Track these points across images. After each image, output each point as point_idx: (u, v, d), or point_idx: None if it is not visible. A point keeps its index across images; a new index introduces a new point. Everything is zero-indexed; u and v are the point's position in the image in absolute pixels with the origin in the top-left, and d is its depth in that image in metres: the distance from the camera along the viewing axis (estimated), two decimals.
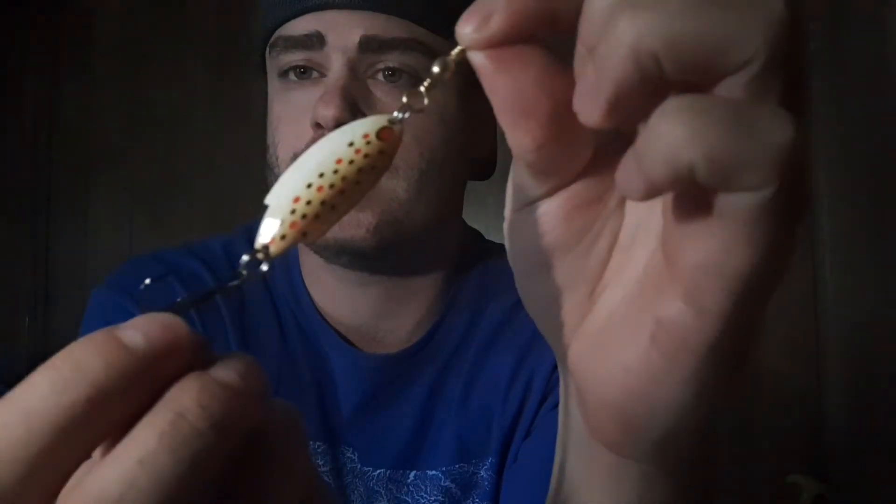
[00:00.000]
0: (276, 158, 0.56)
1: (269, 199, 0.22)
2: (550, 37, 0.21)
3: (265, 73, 0.59)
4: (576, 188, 0.24)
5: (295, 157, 0.54)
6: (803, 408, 1.46)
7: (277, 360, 0.61)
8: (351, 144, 0.22)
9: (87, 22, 1.77)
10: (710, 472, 0.28)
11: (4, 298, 1.76)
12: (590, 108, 0.19)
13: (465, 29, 0.21)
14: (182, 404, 0.18)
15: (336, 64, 0.53)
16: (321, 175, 0.22)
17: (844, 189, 1.41)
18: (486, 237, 0.70)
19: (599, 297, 0.25)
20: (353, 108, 0.52)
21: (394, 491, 0.60)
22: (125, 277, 0.61)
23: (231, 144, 1.64)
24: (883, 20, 1.26)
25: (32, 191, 1.78)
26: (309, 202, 0.21)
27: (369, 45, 0.52)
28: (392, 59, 0.53)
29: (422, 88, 0.23)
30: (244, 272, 0.22)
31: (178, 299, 0.22)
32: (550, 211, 0.24)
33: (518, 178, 0.25)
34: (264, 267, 0.22)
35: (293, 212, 0.21)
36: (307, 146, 0.53)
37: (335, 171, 0.22)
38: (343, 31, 0.52)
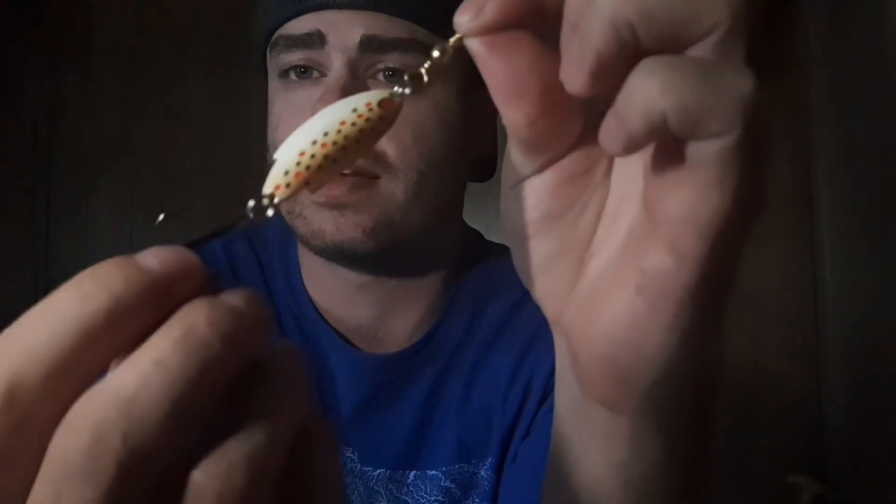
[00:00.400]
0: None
1: (278, 154, 0.24)
2: (539, 25, 0.24)
3: (265, 72, 0.59)
4: (564, 163, 0.26)
5: None
6: (803, 408, 1.46)
7: None
8: (354, 110, 0.24)
9: (87, 22, 1.77)
10: (704, 437, 0.29)
11: (4, 298, 1.76)
12: (575, 76, 0.21)
13: (462, 18, 0.23)
14: (194, 319, 0.19)
15: (336, 63, 0.53)
16: (325, 134, 0.24)
17: (844, 189, 1.41)
18: (486, 237, 0.70)
19: (589, 263, 0.27)
20: None
21: (394, 491, 0.60)
22: None
23: (231, 144, 1.64)
24: (883, 20, 1.26)
25: (32, 191, 1.78)
26: (313, 156, 0.24)
27: (370, 45, 0.52)
28: (392, 59, 0.53)
29: (422, 69, 0.25)
30: (250, 214, 0.24)
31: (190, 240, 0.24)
32: (541, 185, 0.27)
33: (512, 157, 0.27)
34: (270, 212, 0.24)
35: (298, 163, 0.24)
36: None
37: (338, 131, 0.24)
38: (343, 31, 0.52)
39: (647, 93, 0.20)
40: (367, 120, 0.24)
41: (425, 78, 0.25)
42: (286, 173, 0.24)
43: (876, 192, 1.31)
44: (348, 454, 0.60)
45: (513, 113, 0.24)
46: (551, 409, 0.58)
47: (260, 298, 0.21)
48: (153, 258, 0.20)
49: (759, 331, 1.48)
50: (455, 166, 0.58)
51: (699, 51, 0.21)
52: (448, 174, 0.58)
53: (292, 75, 0.55)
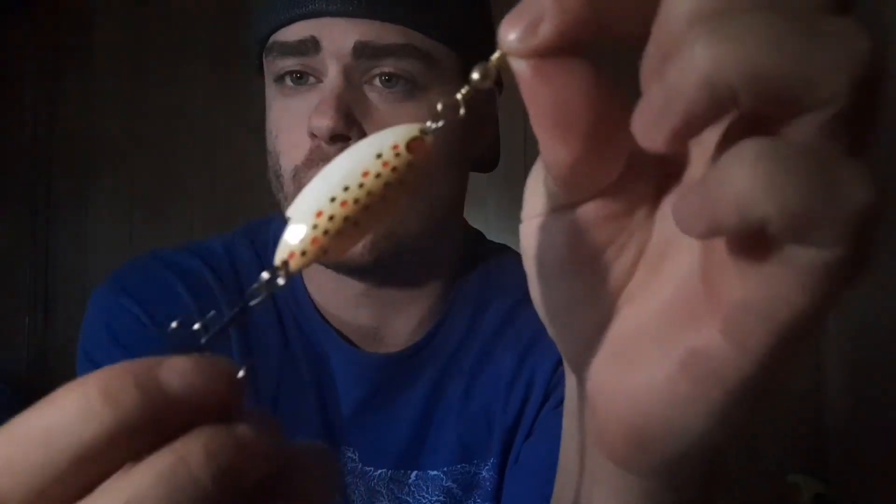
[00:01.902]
0: (280, 168, 0.56)
1: (292, 212, 0.21)
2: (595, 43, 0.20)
3: (262, 77, 0.59)
4: (603, 199, 0.23)
5: (296, 170, 0.54)
6: (803, 408, 1.46)
7: (278, 360, 0.61)
8: (379, 156, 0.21)
9: (87, 22, 1.77)
10: (717, 488, 0.27)
11: (4, 298, 1.76)
12: (653, 133, 0.18)
13: (510, 35, 0.19)
14: (188, 451, 0.18)
15: (331, 71, 0.53)
16: (346, 188, 0.21)
17: None
18: (487, 237, 0.70)
19: (621, 311, 0.24)
20: (349, 117, 0.51)
21: (395, 491, 0.60)
22: (126, 277, 0.61)
23: (231, 144, 1.64)
24: (883, 20, 1.27)
25: (33, 191, 1.78)
26: (332, 217, 0.20)
27: (364, 52, 0.52)
28: (388, 65, 0.52)
29: (458, 96, 0.22)
30: (264, 287, 0.21)
31: (203, 319, 0.22)
32: (573, 220, 0.24)
33: (543, 185, 0.24)
34: (281, 281, 0.21)
35: (315, 227, 0.21)
36: (306, 158, 0.53)
37: (360, 185, 0.21)
38: (337, 38, 0.52)
39: (748, 189, 0.17)
40: (394, 170, 0.21)
41: (462, 109, 0.22)
42: (301, 239, 0.21)
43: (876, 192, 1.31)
44: (349, 454, 0.60)
45: (556, 149, 0.21)
46: (554, 408, 0.58)
47: (273, 422, 0.19)
48: (176, 375, 0.18)
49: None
50: (455, 170, 0.58)
51: (805, 124, 0.18)
52: (448, 179, 0.57)
53: (288, 81, 0.55)
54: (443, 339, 0.61)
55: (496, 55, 0.20)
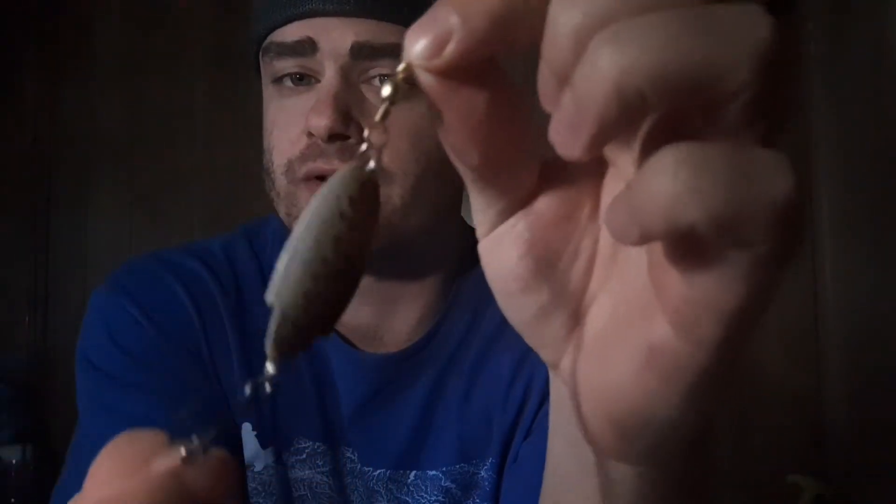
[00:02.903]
0: (272, 164, 0.56)
1: (274, 298, 0.20)
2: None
3: (259, 76, 0.59)
4: (540, 208, 0.24)
5: (289, 164, 0.54)
6: (803, 408, 1.46)
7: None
8: (342, 216, 0.20)
9: (87, 23, 1.77)
10: (705, 467, 0.28)
11: (4, 298, 1.76)
12: (570, 142, 0.18)
13: (416, 47, 0.19)
14: None
15: (329, 71, 0.53)
16: (324, 261, 0.20)
17: (844, 189, 1.41)
18: None
19: (588, 311, 0.25)
20: (346, 117, 0.51)
21: (394, 491, 0.60)
22: (125, 278, 0.61)
23: (231, 144, 1.64)
24: (883, 20, 1.26)
25: (33, 191, 1.78)
26: (318, 295, 0.20)
27: (361, 52, 0.52)
28: (385, 65, 0.52)
29: (377, 118, 0.21)
30: (266, 380, 0.21)
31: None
32: (520, 235, 0.24)
33: (476, 202, 0.25)
34: (271, 370, 0.21)
35: (306, 311, 0.20)
36: (301, 153, 0.53)
37: (337, 252, 0.20)
38: (334, 38, 0.52)
39: (672, 197, 0.17)
40: (358, 222, 0.20)
41: (385, 128, 0.21)
42: (293, 325, 0.20)
43: (876, 192, 1.31)
44: (348, 454, 0.60)
45: (464, 155, 0.22)
46: None
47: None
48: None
49: (758, 331, 1.48)
50: (452, 167, 0.58)
51: (720, 116, 0.18)
52: (445, 175, 0.57)
53: (287, 82, 0.55)
54: (442, 340, 0.61)
55: (402, 67, 0.20)
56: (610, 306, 0.24)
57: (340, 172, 0.21)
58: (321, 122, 0.50)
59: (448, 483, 0.60)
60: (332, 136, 0.51)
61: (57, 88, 1.78)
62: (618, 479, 0.27)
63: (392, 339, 0.61)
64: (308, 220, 0.20)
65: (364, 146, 0.21)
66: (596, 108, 0.17)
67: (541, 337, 0.26)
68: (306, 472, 0.60)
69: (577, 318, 0.25)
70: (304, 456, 0.60)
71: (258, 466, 0.59)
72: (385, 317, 0.60)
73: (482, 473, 0.60)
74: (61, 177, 1.78)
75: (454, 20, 0.19)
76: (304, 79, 0.54)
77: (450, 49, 0.19)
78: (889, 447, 1.27)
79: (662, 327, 0.21)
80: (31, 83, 1.79)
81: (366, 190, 0.21)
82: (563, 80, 0.18)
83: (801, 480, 1.34)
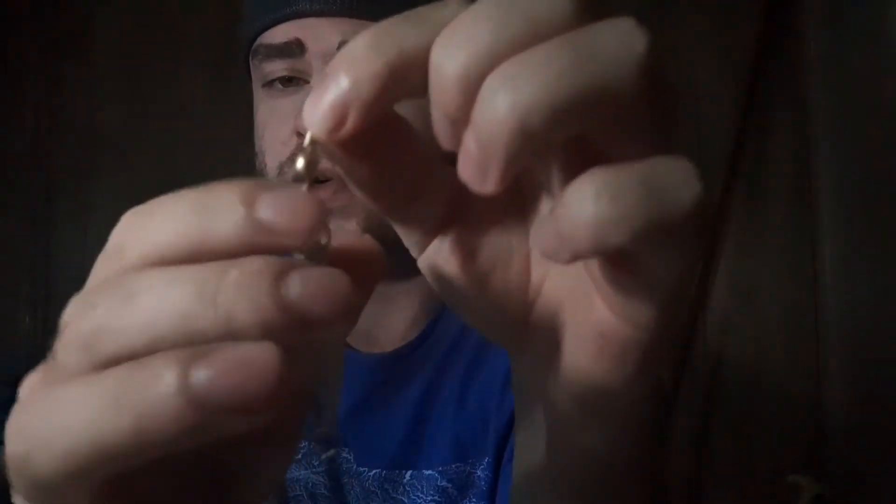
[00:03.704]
0: (265, 167, 0.56)
1: None
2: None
3: (250, 78, 0.60)
4: (465, 222, 0.25)
5: (281, 167, 0.54)
6: (803, 408, 1.46)
7: None
8: None
9: (87, 21, 1.77)
10: (656, 428, 0.30)
11: (4, 298, 1.77)
12: (480, 180, 0.19)
13: (317, 121, 0.20)
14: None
15: (317, 71, 0.53)
16: None
17: (844, 189, 1.41)
18: None
19: (535, 303, 0.26)
20: None
21: (390, 491, 0.60)
22: None
23: (231, 144, 1.64)
24: (883, 20, 1.26)
25: (33, 191, 1.78)
26: None
27: None
28: None
29: (307, 188, 0.21)
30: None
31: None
32: (451, 250, 0.25)
33: (397, 230, 0.26)
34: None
35: None
36: (292, 155, 0.53)
37: None
38: (322, 38, 0.52)
39: (596, 225, 0.18)
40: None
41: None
42: None
43: (876, 192, 1.31)
44: (344, 454, 0.60)
45: (375, 202, 0.24)
46: None
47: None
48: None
49: (759, 331, 1.48)
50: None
51: (618, 133, 0.19)
52: None
53: (276, 84, 0.55)
54: (437, 339, 0.61)
55: (308, 141, 0.20)
56: (558, 294, 0.25)
57: None
58: None
59: (444, 483, 0.60)
60: None
61: (57, 88, 1.79)
62: (579, 448, 0.28)
63: (386, 339, 0.61)
64: None
65: None
66: (501, 148, 0.18)
67: (497, 333, 0.27)
68: (302, 472, 0.60)
69: (527, 309, 0.26)
70: (300, 456, 0.60)
71: None
72: (379, 317, 0.60)
73: (478, 473, 0.60)
74: (61, 177, 1.78)
75: (348, 88, 0.19)
76: (293, 80, 0.55)
77: (351, 118, 0.19)
78: (889, 447, 1.27)
79: (606, 315, 0.23)
80: (31, 83, 1.79)
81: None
82: (457, 122, 0.19)
83: (801, 480, 1.34)
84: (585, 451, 0.28)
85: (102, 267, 0.20)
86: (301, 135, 0.52)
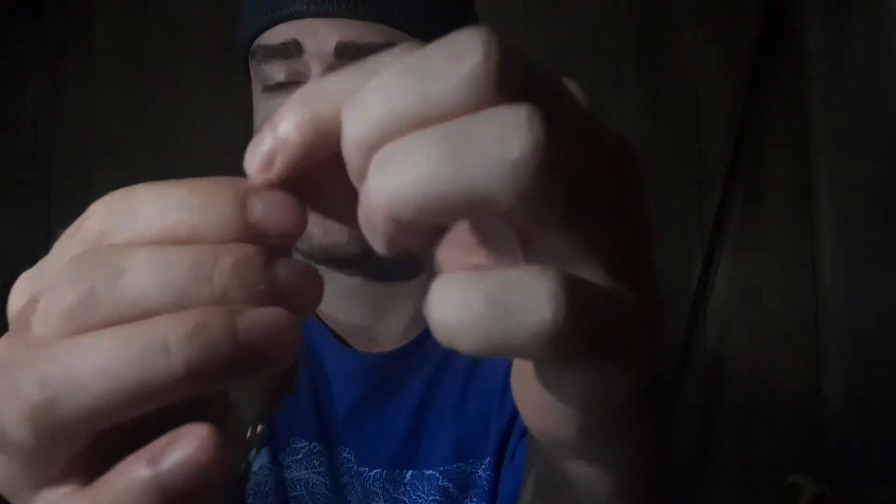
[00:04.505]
0: None
1: None
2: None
3: (250, 78, 0.60)
4: (453, 239, 0.24)
5: None
6: (803, 408, 1.46)
7: None
8: None
9: (87, 22, 1.77)
10: (654, 422, 0.29)
11: (4, 298, 1.76)
12: (374, 242, 0.19)
13: (251, 170, 0.21)
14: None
15: (315, 71, 0.53)
16: None
17: (844, 189, 1.41)
18: None
19: None
20: None
21: (391, 491, 0.60)
22: None
23: (231, 144, 1.64)
24: (882, 19, 1.26)
25: (32, 191, 1.78)
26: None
27: (346, 52, 0.52)
28: None
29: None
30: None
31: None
32: (440, 265, 0.25)
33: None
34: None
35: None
36: None
37: None
38: (320, 38, 0.52)
39: (445, 328, 0.18)
40: None
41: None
42: None
43: (876, 192, 1.31)
44: (345, 454, 0.60)
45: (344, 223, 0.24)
46: None
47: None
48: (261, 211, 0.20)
49: (759, 331, 1.48)
50: None
51: (504, 225, 0.19)
52: None
53: (276, 89, 0.55)
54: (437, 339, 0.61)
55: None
56: None
57: None
58: None
59: (445, 483, 0.60)
60: None
61: (57, 88, 1.79)
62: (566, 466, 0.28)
63: (386, 339, 0.61)
64: None
65: None
66: (378, 225, 0.18)
67: None
68: (302, 472, 0.60)
69: None
70: (301, 456, 0.60)
71: (254, 467, 0.59)
72: (379, 316, 0.61)
73: (479, 473, 0.60)
74: (61, 176, 1.78)
75: (276, 137, 0.21)
76: (290, 85, 0.55)
77: (277, 163, 0.21)
78: (889, 447, 1.27)
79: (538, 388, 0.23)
80: (31, 83, 1.79)
81: None
82: (361, 181, 0.19)
83: (801, 480, 1.34)
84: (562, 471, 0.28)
85: (70, 248, 0.21)
86: None
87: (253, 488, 0.59)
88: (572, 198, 0.18)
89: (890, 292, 1.24)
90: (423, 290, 0.62)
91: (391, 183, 0.17)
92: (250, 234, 0.20)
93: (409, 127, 0.18)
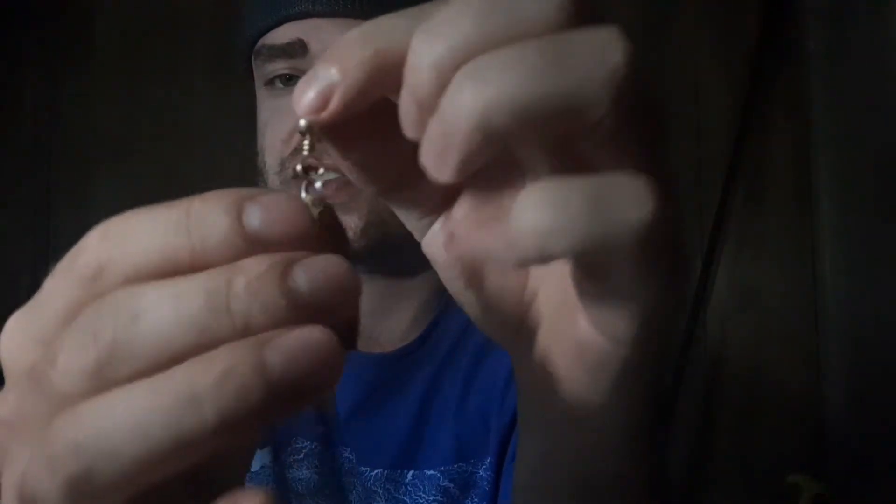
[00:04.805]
0: (265, 165, 0.56)
1: None
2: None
3: (252, 79, 0.60)
4: (461, 211, 0.25)
5: (282, 163, 0.55)
6: (803, 408, 1.46)
7: None
8: None
9: (87, 22, 1.77)
10: (642, 456, 0.29)
11: (4, 298, 1.76)
12: (439, 167, 0.19)
13: (303, 102, 0.21)
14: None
15: None
16: None
17: (844, 189, 1.41)
18: None
19: (531, 306, 0.26)
20: None
21: (392, 491, 0.60)
22: None
23: (231, 144, 1.64)
24: (883, 20, 1.26)
25: (33, 191, 1.78)
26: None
27: None
28: None
29: (298, 167, 0.23)
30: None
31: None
32: (448, 239, 0.26)
33: (396, 212, 0.26)
34: None
35: None
36: (293, 151, 0.54)
37: None
38: (324, 38, 0.53)
39: (540, 235, 0.18)
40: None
41: (318, 179, 0.23)
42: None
43: (876, 191, 1.31)
44: (346, 454, 0.60)
45: (370, 189, 0.24)
46: None
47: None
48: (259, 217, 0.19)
49: (759, 331, 1.48)
50: None
51: (586, 146, 0.19)
52: None
53: (278, 83, 0.55)
54: (438, 338, 0.61)
55: (303, 125, 0.22)
56: (550, 300, 0.25)
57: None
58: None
59: (446, 483, 0.60)
60: None
61: (57, 88, 1.79)
62: (566, 452, 0.28)
63: (387, 339, 0.61)
64: None
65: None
66: (461, 139, 0.18)
67: (493, 328, 0.27)
68: (304, 472, 0.60)
69: (523, 309, 0.26)
70: (302, 456, 0.60)
71: (255, 466, 0.59)
72: (380, 315, 0.61)
73: (480, 473, 0.60)
74: (61, 177, 1.78)
75: (334, 74, 0.20)
76: (294, 79, 0.55)
77: (334, 102, 0.20)
78: (889, 447, 1.27)
79: (586, 326, 0.23)
80: (31, 83, 1.79)
81: (325, 219, 0.22)
82: (425, 108, 0.19)
83: (801, 480, 1.34)
84: (571, 457, 0.28)
85: (67, 286, 0.19)
86: (303, 133, 0.52)
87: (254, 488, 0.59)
88: (642, 113, 0.19)
89: (890, 292, 1.24)
90: (426, 290, 0.62)
91: (488, 90, 0.17)
92: (253, 245, 0.19)
93: (496, 44, 0.18)
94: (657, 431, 0.30)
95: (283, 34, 0.54)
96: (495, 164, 0.24)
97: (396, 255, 0.58)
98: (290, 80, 0.55)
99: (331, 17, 0.52)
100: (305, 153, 0.22)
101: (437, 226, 0.26)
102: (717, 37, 1.52)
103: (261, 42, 0.56)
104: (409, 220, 0.26)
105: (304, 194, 0.22)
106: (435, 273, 0.66)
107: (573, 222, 0.18)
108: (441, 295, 0.62)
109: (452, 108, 0.18)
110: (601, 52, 0.18)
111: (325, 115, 0.20)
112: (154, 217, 0.19)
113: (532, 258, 0.18)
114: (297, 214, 0.19)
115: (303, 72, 0.54)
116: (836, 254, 1.43)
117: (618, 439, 0.27)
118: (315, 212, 0.21)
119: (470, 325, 0.61)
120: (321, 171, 0.23)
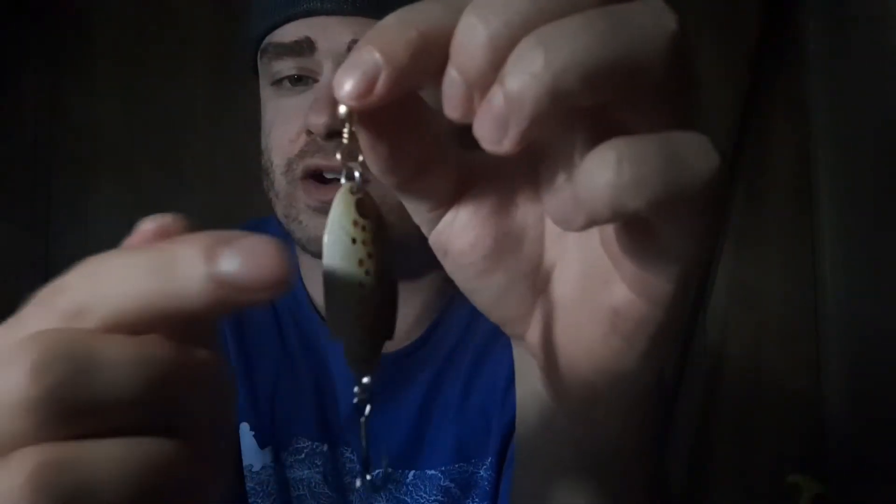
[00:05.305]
0: (271, 164, 0.56)
1: (334, 334, 0.23)
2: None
3: (257, 76, 0.60)
4: (477, 198, 0.26)
5: (289, 163, 0.54)
6: (803, 408, 1.46)
7: (276, 359, 0.61)
8: (354, 241, 0.22)
9: (87, 22, 1.77)
10: (657, 414, 0.30)
11: (4, 298, 1.76)
12: (499, 137, 0.19)
13: (347, 88, 0.20)
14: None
15: (327, 69, 0.53)
16: (360, 285, 0.22)
17: (844, 189, 1.41)
18: None
19: (549, 282, 0.26)
20: None
21: (393, 491, 0.60)
22: None
23: (231, 144, 1.64)
24: (883, 20, 1.26)
25: (32, 191, 1.78)
26: (368, 312, 0.22)
27: None
28: None
29: (344, 141, 0.23)
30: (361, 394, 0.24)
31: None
32: (464, 226, 0.26)
33: (407, 206, 0.27)
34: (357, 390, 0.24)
35: (364, 331, 0.22)
36: (300, 150, 0.54)
37: (367, 272, 0.22)
38: (333, 37, 0.52)
39: (616, 190, 0.19)
40: (370, 238, 0.23)
41: (357, 172, 0.23)
42: (360, 346, 0.23)
43: (876, 191, 1.31)
44: (347, 454, 0.60)
45: (389, 180, 0.24)
46: None
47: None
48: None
49: (759, 331, 1.48)
50: None
51: (644, 104, 0.20)
52: None
53: (286, 83, 0.55)
54: (440, 338, 0.61)
55: (343, 111, 0.21)
56: (571, 276, 0.26)
57: (335, 205, 0.23)
58: (320, 119, 0.51)
59: (447, 483, 0.60)
60: (331, 134, 0.51)
61: (57, 88, 1.78)
62: (581, 434, 0.29)
63: None
64: (328, 261, 0.22)
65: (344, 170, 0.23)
66: (529, 104, 0.18)
67: (505, 314, 0.27)
68: (305, 471, 0.60)
69: (537, 291, 0.26)
70: (303, 455, 0.60)
71: (256, 466, 0.59)
72: None
73: (481, 473, 0.60)
74: (61, 177, 1.78)
75: (378, 58, 0.20)
76: (301, 79, 0.54)
77: (379, 86, 0.20)
78: (889, 447, 1.27)
79: (623, 292, 0.24)
80: (31, 83, 1.79)
81: (363, 206, 0.22)
82: (476, 85, 0.19)
83: (801, 480, 1.34)
84: (589, 438, 0.29)
85: (46, 321, 0.20)
86: (310, 132, 0.52)
87: (255, 488, 0.59)
88: (689, 76, 0.20)
89: (890, 292, 1.24)
90: (428, 291, 0.62)
91: (558, 55, 0.18)
92: (226, 289, 0.19)
93: (551, 18, 0.19)
94: (664, 420, 0.30)
95: (290, 32, 0.54)
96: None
97: (401, 256, 0.58)
98: (299, 80, 0.55)
99: (339, 16, 0.52)
100: (345, 141, 0.22)
101: (449, 217, 0.26)
102: (717, 37, 1.52)
103: (267, 40, 0.55)
104: (419, 213, 0.26)
105: (343, 180, 0.23)
106: (437, 275, 0.66)
107: (651, 176, 0.19)
108: (443, 296, 0.62)
109: (522, 75, 0.18)
110: (658, 18, 0.19)
111: (370, 99, 0.20)
112: (135, 261, 0.20)
113: (603, 216, 0.19)
114: (273, 258, 0.19)
115: (310, 71, 0.54)
116: (836, 254, 1.43)
117: (639, 418, 0.28)
118: (354, 199, 0.22)
119: (471, 325, 0.62)
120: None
